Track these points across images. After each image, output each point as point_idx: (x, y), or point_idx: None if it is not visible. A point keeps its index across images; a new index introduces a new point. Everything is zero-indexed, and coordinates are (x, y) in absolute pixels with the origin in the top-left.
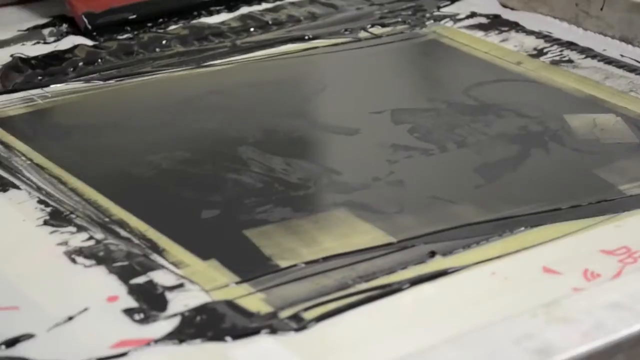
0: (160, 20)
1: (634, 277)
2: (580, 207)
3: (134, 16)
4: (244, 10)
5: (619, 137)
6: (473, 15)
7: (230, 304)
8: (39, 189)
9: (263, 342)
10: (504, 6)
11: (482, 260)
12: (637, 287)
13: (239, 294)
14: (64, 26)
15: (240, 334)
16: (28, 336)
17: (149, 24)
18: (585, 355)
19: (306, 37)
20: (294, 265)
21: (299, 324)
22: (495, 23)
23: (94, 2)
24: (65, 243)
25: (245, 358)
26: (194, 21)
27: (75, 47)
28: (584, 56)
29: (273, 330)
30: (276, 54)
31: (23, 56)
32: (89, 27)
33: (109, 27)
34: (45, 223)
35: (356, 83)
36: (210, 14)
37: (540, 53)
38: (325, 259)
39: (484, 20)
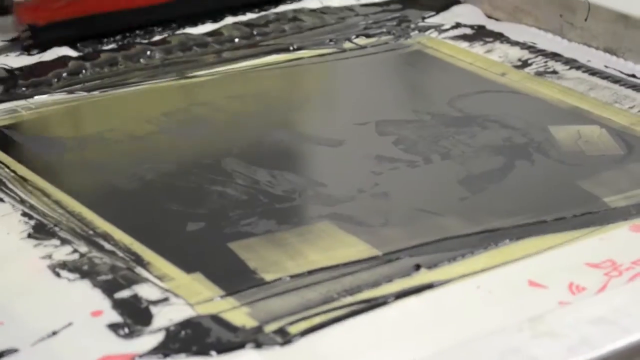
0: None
1: (619, 291)
2: (565, 219)
3: (76, 32)
4: (229, 20)
5: (603, 149)
6: (458, 26)
7: (215, 318)
8: (22, 201)
9: (248, 357)
10: (489, 17)
11: (467, 273)
12: (622, 301)
13: (223, 307)
14: None
15: (225, 348)
16: (12, 351)
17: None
18: None
19: (291, 48)
20: (279, 279)
21: (284, 338)
22: (479, 34)
23: (39, 13)
24: (49, 256)
25: None
26: (179, 32)
27: (60, 58)
28: (568, 67)
29: (258, 345)
30: (261, 64)
31: (7, 67)
32: (31, 41)
33: (54, 42)
34: (29, 236)
35: (341, 94)
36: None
37: (524, 64)
38: (311, 272)
39: (468, 31)
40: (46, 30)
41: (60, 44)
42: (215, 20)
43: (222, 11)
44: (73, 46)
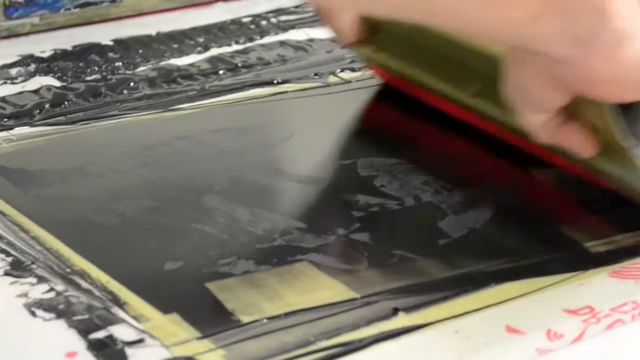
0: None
1: (597, 339)
2: (544, 264)
3: None
4: (214, 51)
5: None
6: None
7: None
8: (0, 237)
9: None
10: None
11: (445, 317)
12: (599, 351)
13: (199, 350)
14: (32, 66)
15: None
16: None
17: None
18: None
19: (275, 82)
20: (256, 321)
21: None
22: None
23: None
24: (25, 295)
25: None
26: (163, 62)
27: (42, 87)
28: None
29: None
30: (244, 98)
31: None
32: None
33: None
34: (6, 273)
35: (324, 130)
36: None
37: None
38: (288, 314)
39: None
40: None
41: None
42: (199, 52)
43: None
44: (57, 77)
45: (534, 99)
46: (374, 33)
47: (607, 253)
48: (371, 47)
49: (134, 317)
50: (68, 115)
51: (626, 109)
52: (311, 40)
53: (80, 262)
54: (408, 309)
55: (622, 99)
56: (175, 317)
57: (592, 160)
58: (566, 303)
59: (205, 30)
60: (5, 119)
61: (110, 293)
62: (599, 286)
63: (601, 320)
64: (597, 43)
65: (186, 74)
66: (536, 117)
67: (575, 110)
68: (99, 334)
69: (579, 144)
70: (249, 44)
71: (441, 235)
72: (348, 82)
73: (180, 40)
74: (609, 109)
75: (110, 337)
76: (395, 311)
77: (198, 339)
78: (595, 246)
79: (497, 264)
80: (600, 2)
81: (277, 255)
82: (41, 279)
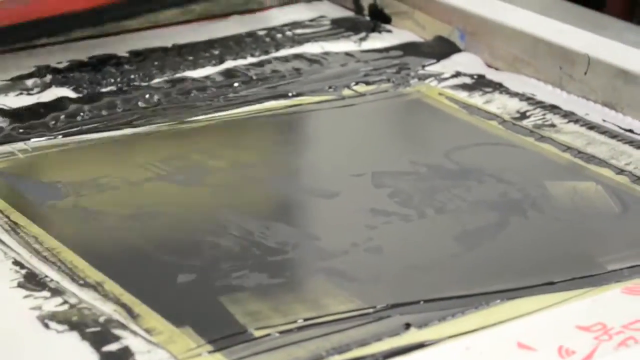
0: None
1: (608, 358)
2: (557, 279)
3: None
4: (229, 64)
5: (598, 206)
6: (457, 74)
7: None
8: (14, 249)
9: None
10: (489, 66)
11: (457, 333)
12: None
13: None
14: (48, 77)
15: None
16: None
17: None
18: None
19: (290, 95)
20: (268, 335)
21: None
22: (479, 83)
23: None
24: (39, 307)
25: None
26: (178, 75)
27: (58, 99)
28: (566, 120)
29: None
30: (259, 110)
31: (5, 107)
32: None
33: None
34: (19, 285)
35: (338, 143)
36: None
37: (523, 116)
38: (300, 328)
39: (468, 80)
40: None
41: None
42: (214, 64)
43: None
44: (73, 88)
45: None
46: None
47: (620, 269)
48: None
49: (146, 330)
50: (83, 127)
51: None
52: (326, 53)
53: (94, 274)
54: (420, 325)
55: None
56: (187, 330)
57: None
58: (579, 319)
59: (221, 42)
60: (20, 130)
61: (124, 305)
62: (611, 303)
63: (613, 337)
64: None
65: (201, 86)
66: None
67: None
68: (112, 347)
69: None
70: (264, 57)
71: (454, 250)
72: (362, 95)
73: (196, 52)
74: None
75: (123, 349)
76: (407, 326)
77: (210, 352)
78: (608, 262)
79: (510, 279)
80: None
81: (290, 269)
82: (55, 292)
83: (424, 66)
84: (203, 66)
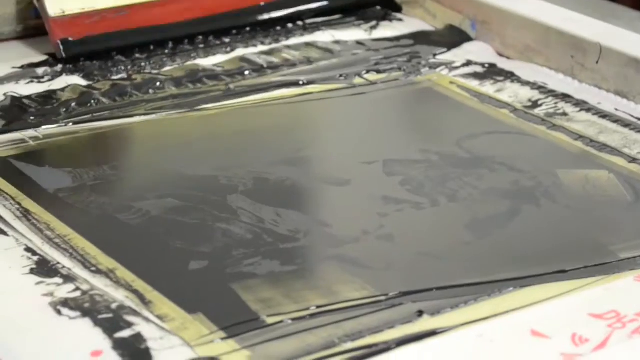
0: (137, 50)
1: (622, 346)
2: (570, 267)
3: (111, 46)
4: (240, 52)
5: (610, 194)
6: (469, 63)
7: None
8: (26, 236)
9: None
10: (500, 55)
11: (469, 321)
12: (624, 357)
13: (224, 350)
14: (59, 65)
15: None
16: None
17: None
18: None
19: (301, 82)
20: (281, 322)
21: None
22: (490, 72)
23: (72, 28)
24: (51, 294)
25: None
26: (189, 62)
27: (69, 87)
28: (578, 109)
29: None
30: (270, 98)
31: (16, 95)
32: (64, 55)
33: (85, 55)
34: (32, 272)
35: (349, 131)
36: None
37: (534, 105)
38: (312, 315)
39: (479, 69)
40: (78, 45)
41: (91, 58)
42: (226, 52)
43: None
44: (83, 76)
45: None
46: None
47: (633, 257)
48: None
49: (158, 317)
50: (94, 114)
51: None
52: (337, 42)
53: (106, 261)
54: (432, 312)
55: None
56: (200, 316)
57: None
58: (592, 307)
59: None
60: (31, 117)
61: (136, 292)
62: (624, 290)
63: (627, 325)
64: None
65: (212, 74)
66: None
67: None
68: (125, 333)
69: None
70: (275, 45)
71: (466, 238)
72: (374, 83)
73: (207, 40)
74: None
75: (135, 336)
76: (419, 314)
77: (223, 339)
78: (621, 250)
79: (522, 267)
80: None
81: (302, 256)
82: (67, 278)
83: (435, 55)
84: (214, 54)
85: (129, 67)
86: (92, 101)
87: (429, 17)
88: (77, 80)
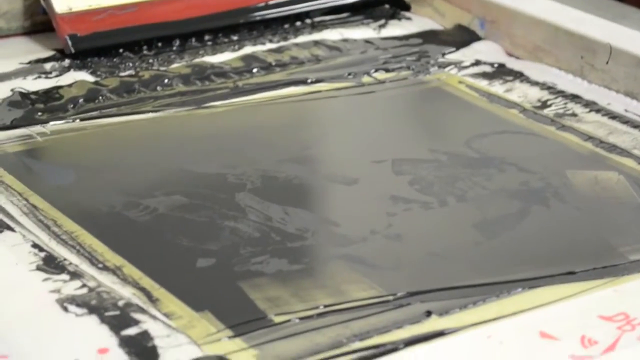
0: (145, 46)
1: (632, 349)
2: (578, 269)
3: (118, 41)
4: (248, 50)
5: (620, 196)
6: (478, 63)
7: (222, 359)
8: (33, 232)
9: None
10: (510, 55)
11: (478, 322)
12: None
13: (231, 349)
14: (67, 60)
15: None
16: None
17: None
18: None
19: (309, 81)
20: (288, 321)
21: None
22: (499, 72)
23: (79, 24)
24: (58, 290)
25: None
26: (197, 60)
27: (76, 83)
28: (588, 110)
29: None
30: (278, 96)
31: (24, 90)
32: (72, 50)
33: (93, 51)
34: (38, 268)
35: (358, 129)
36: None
37: (544, 105)
38: (320, 314)
39: (488, 68)
40: (86, 40)
41: (98, 54)
42: (234, 50)
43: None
44: (91, 72)
45: None
46: None
47: None
48: None
49: (165, 314)
50: (101, 111)
51: None
52: (345, 40)
53: (113, 258)
54: (441, 313)
55: None
56: (207, 314)
57: None
58: (601, 309)
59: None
60: (39, 113)
61: (143, 289)
62: (634, 292)
63: (636, 327)
64: None
65: (220, 71)
66: None
67: None
68: (131, 331)
69: None
70: (283, 43)
71: (475, 238)
72: (382, 82)
73: (215, 37)
74: None
75: (142, 333)
76: (428, 314)
77: (230, 337)
78: (630, 251)
79: (531, 268)
80: None
81: (310, 255)
82: (74, 275)
83: (443, 54)
84: (222, 52)
85: (137, 64)
86: (100, 97)
87: (438, 15)
88: (84, 76)
